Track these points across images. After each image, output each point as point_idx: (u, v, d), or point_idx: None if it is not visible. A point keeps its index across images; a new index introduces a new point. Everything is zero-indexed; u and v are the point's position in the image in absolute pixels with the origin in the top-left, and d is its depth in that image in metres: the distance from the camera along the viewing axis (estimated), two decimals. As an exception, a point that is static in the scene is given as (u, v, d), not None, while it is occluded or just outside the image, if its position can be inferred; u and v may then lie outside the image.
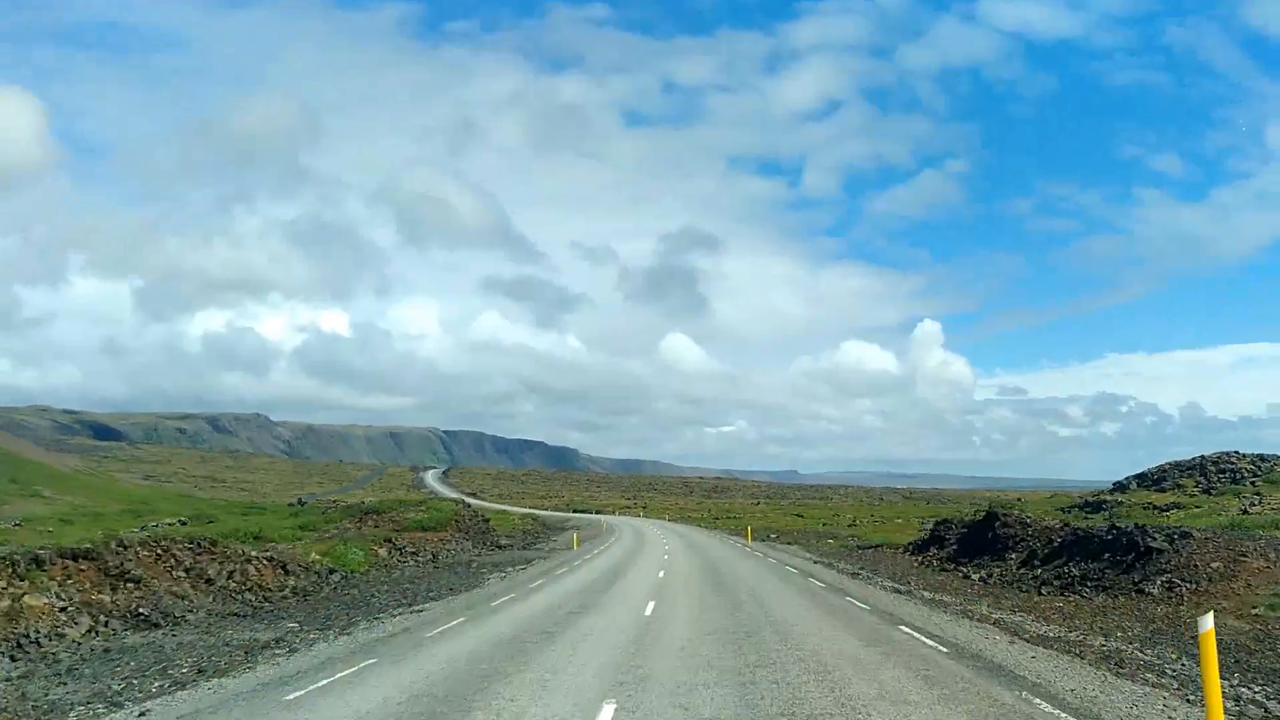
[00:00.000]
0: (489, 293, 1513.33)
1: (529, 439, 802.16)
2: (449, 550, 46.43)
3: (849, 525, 78.56)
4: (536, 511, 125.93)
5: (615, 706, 11.07)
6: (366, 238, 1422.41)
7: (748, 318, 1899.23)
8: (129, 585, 21.42)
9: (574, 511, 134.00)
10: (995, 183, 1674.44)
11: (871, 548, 48.20)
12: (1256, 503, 56.51)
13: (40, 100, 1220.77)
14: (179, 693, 13.12)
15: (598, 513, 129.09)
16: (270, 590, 25.62)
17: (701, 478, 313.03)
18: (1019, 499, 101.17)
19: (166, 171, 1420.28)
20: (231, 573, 25.49)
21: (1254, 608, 19.40)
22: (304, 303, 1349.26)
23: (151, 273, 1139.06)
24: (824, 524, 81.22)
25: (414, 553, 41.64)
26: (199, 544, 26.12)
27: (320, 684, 13.16)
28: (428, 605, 23.64)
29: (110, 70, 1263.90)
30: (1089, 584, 24.50)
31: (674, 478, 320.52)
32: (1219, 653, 9.96)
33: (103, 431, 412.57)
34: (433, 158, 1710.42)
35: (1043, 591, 25.07)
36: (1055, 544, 30.73)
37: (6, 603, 17.98)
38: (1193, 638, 14.48)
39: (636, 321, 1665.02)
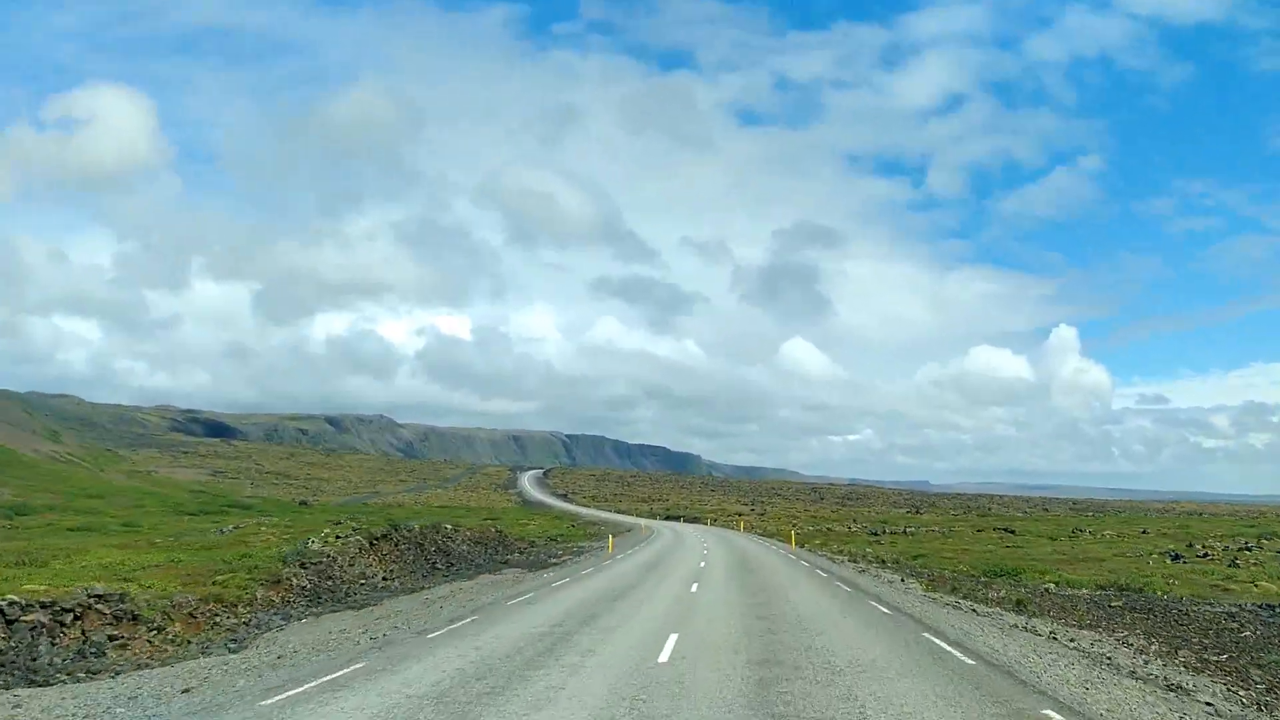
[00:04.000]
0: (602, 293, 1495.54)
1: (650, 444, 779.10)
2: None
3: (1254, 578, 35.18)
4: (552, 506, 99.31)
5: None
6: (480, 239, 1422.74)
7: (871, 323, 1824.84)
8: None
9: (668, 519, 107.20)
10: (1131, 180, 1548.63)
11: None
12: None
13: (154, 101, 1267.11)
14: None
15: (691, 521, 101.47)
16: None
17: (831, 484, 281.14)
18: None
19: (277, 175, 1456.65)
20: None
21: None
22: (421, 305, 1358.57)
23: (270, 276, 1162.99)
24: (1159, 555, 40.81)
25: None
26: None
27: None
28: None
29: (220, 76, 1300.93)
30: None
31: (800, 484, 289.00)
32: None
33: (219, 430, 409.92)
34: (541, 157, 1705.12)
35: None
36: None
37: None
38: None
39: (755, 324, 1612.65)
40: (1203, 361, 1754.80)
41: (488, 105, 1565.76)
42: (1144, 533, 58.81)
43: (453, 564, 34.05)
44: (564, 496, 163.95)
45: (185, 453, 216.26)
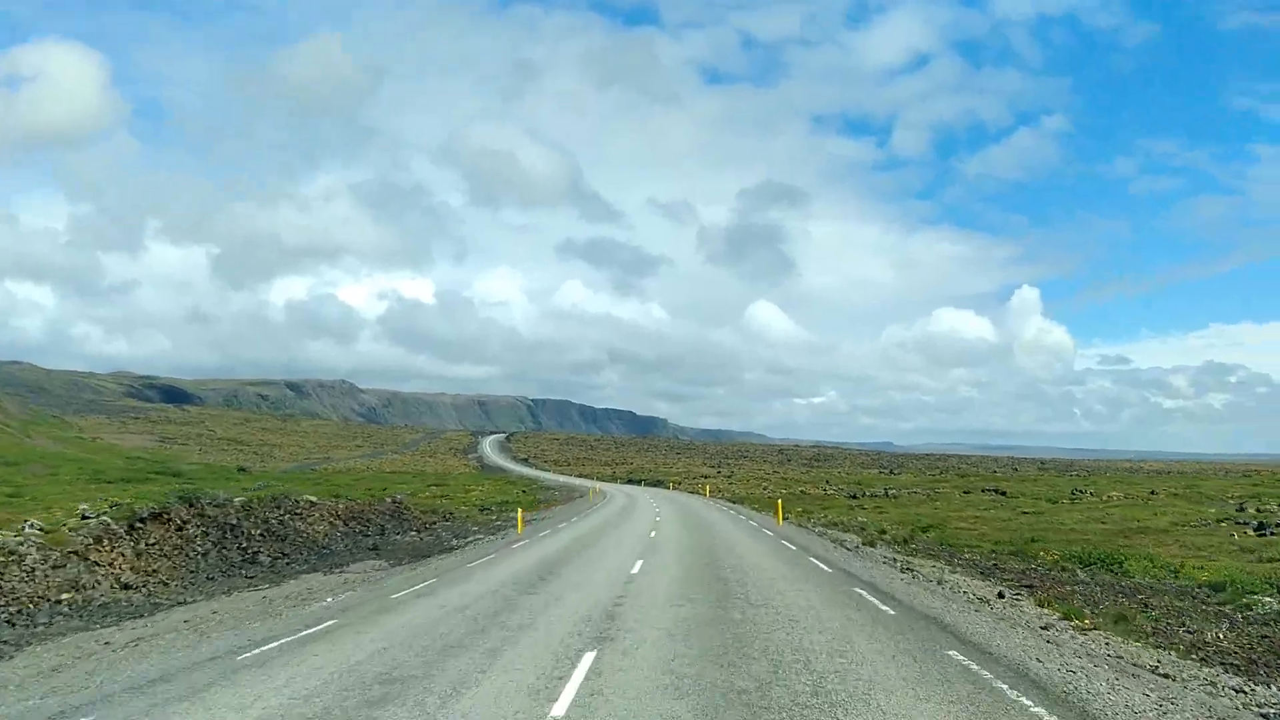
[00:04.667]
0: (567, 256, 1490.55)
1: (617, 408, 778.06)
2: None
3: None
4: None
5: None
6: (441, 200, 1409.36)
7: (835, 284, 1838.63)
8: None
9: (629, 482, 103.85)
10: (1095, 141, 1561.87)
11: None
12: None
13: (106, 58, 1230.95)
14: None
15: (654, 485, 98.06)
16: None
17: (797, 446, 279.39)
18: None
19: (234, 134, 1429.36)
20: None
21: None
22: (382, 269, 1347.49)
23: (228, 239, 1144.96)
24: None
25: None
26: None
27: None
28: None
29: (175, 32, 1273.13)
30: None
31: (766, 445, 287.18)
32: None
33: (176, 396, 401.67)
34: (503, 116, 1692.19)
35: None
36: None
37: None
38: None
39: (720, 287, 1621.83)
40: (1163, 323, 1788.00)
41: (448, 62, 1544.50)
42: (1153, 493, 54.59)
43: (285, 555, 24.50)
44: (525, 461, 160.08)
45: (136, 418, 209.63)
